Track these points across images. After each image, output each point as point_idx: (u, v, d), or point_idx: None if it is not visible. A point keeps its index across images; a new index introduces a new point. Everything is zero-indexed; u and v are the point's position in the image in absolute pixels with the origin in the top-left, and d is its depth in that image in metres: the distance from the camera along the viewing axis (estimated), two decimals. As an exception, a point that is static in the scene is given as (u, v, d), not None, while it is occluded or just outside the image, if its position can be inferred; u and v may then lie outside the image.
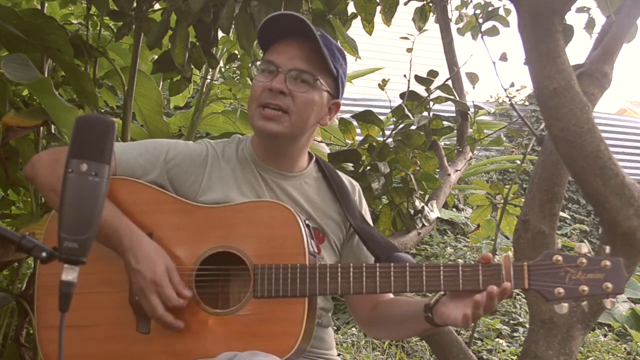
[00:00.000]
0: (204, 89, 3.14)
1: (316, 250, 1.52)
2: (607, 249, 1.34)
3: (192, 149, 1.62)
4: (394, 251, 1.60)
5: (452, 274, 1.37)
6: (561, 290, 1.32)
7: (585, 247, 1.33)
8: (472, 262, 1.42)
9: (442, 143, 3.31)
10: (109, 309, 1.48)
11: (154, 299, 1.41)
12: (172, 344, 1.44)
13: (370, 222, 1.73)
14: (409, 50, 3.02)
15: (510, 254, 1.38)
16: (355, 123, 2.89)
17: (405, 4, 3.09)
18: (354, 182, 1.78)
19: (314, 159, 1.73)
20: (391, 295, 1.66)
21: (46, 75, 2.61)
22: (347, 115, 3.29)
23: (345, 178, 1.75)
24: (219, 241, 1.47)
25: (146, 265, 1.42)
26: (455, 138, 3.50)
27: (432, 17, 3.32)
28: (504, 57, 2.75)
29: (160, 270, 1.42)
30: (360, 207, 1.72)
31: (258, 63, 1.58)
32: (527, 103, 9.44)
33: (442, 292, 1.44)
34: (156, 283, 1.41)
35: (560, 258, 1.33)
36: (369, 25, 2.50)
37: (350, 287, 1.41)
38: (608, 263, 1.31)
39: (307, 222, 1.52)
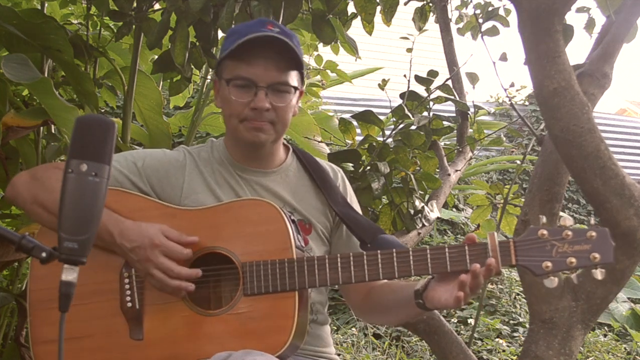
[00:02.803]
0: (204, 89, 3.14)
1: (303, 244, 1.53)
2: (592, 220, 1.33)
3: (170, 155, 1.64)
4: (380, 233, 1.61)
5: (439, 256, 1.37)
6: (549, 263, 1.31)
7: (570, 220, 1.33)
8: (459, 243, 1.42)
9: (442, 143, 3.31)
10: (100, 318, 1.48)
11: (163, 260, 1.42)
12: (167, 348, 1.45)
13: (357, 207, 1.73)
14: (409, 50, 3.02)
15: (495, 232, 1.37)
16: (355, 123, 2.89)
17: (405, 4, 3.09)
18: (336, 168, 1.78)
19: (291, 150, 1.74)
20: (384, 280, 1.67)
21: (46, 75, 2.61)
22: (347, 115, 3.29)
23: (326, 164, 1.76)
24: (206, 242, 1.48)
25: (139, 238, 1.43)
26: (455, 138, 3.50)
27: (432, 17, 3.32)
28: (504, 57, 2.75)
29: (154, 233, 1.44)
30: (345, 193, 1.72)
31: (228, 77, 1.56)
32: (527, 103, 9.43)
33: (430, 277, 1.44)
34: (156, 245, 1.42)
35: (545, 232, 1.32)
36: (369, 25, 2.50)
37: (339, 277, 1.42)
38: (594, 234, 1.30)
39: (292, 216, 1.53)
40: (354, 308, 1.75)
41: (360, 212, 1.72)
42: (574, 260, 1.30)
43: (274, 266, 1.43)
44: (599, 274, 1.30)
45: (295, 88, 1.58)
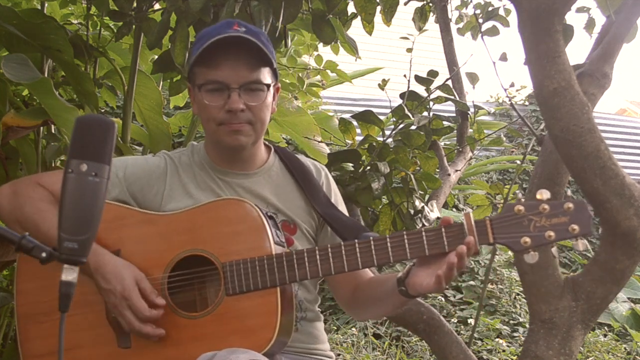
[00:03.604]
0: (204, 89, 3.14)
1: (283, 240, 1.52)
2: (569, 192, 1.33)
3: (151, 162, 1.64)
4: (363, 231, 1.60)
5: (417, 241, 1.36)
6: (527, 239, 1.30)
7: (546, 194, 1.31)
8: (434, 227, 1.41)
9: (442, 143, 3.31)
10: (88, 329, 1.49)
11: (127, 314, 1.43)
12: (155, 354, 1.45)
13: (342, 205, 1.73)
14: (409, 50, 3.02)
15: (471, 211, 1.37)
16: (355, 123, 2.89)
17: (405, 4, 3.09)
18: (320, 165, 1.77)
19: (273, 149, 1.74)
20: (370, 275, 1.66)
21: (46, 75, 2.61)
22: (347, 115, 3.29)
23: (309, 162, 1.76)
24: (185, 246, 1.48)
25: (114, 282, 1.43)
26: (455, 138, 3.50)
27: (432, 17, 3.32)
28: (504, 57, 2.75)
29: (128, 284, 1.43)
30: (328, 191, 1.72)
31: (200, 83, 1.56)
32: (527, 103, 9.42)
33: (411, 264, 1.44)
34: (126, 298, 1.42)
35: (521, 208, 1.31)
36: (369, 25, 2.50)
37: (318, 270, 1.41)
38: (571, 205, 1.29)
39: (270, 214, 1.53)
40: (344, 305, 1.74)
41: (344, 209, 1.72)
42: (552, 233, 1.29)
43: (253, 264, 1.43)
44: (580, 245, 1.29)
45: (268, 85, 1.57)
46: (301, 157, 1.76)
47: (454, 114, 3.28)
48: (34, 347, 1.50)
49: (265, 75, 1.57)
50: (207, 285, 1.51)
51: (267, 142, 1.74)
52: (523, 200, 1.33)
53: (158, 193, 1.59)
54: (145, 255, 1.50)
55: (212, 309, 1.44)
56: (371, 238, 1.40)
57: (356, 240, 1.41)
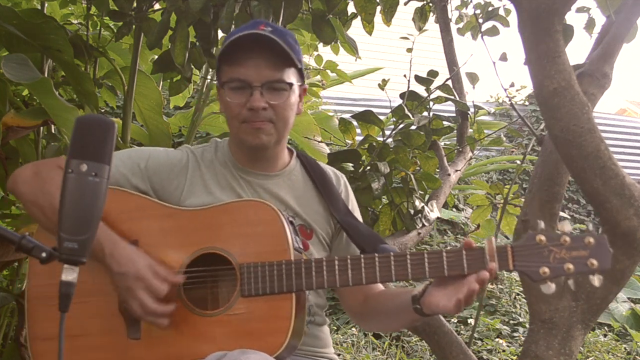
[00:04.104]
0: (204, 89, 3.14)
1: (301, 246, 1.52)
2: (590, 226, 1.33)
3: (172, 156, 1.63)
4: (380, 243, 1.60)
5: (436, 261, 1.36)
6: (546, 269, 1.31)
7: (568, 226, 1.32)
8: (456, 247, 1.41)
9: (442, 143, 3.31)
10: (99, 317, 1.48)
11: (141, 294, 1.41)
12: (164, 348, 1.45)
13: (358, 214, 1.73)
14: (409, 50, 3.02)
15: (493, 237, 1.37)
16: (355, 123, 2.89)
17: (405, 4, 3.09)
18: (339, 174, 1.78)
19: (295, 154, 1.74)
20: (381, 287, 1.66)
21: (46, 75, 2.61)
22: (347, 115, 3.29)
23: (329, 169, 1.75)
24: (204, 243, 1.48)
25: (128, 266, 1.42)
26: (455, 138, 3.50)
27: (432, 17, 3.32)
28: (504, 57, 2.75)
29: (142, 266, 1.42)
30: (346, 199, 1.72)
31: (223, 81, 1.56)
32: (527, 103, 9.43)
33: (427, 282, 1.44)
34: (141, 278, 1.41)
35: (543, 238, 1.32)
36: (369, 25, 2.50)
37: (336, 280, 1.41)
38: (592, 240, 1.30)
39: (291, 219, 1.53)
40: (352, 315, 1.74)
41: (360, 218, 1.72)
42: (571, 266, 1.31)
43: (271, 268, 1.42)
44: (596, 280, 1.31)
45: (291, 84, 1.57)
46: (321, 164, 1.76)
47: (454, 114, 3.28)
48: (42, 330, 1.49)
49: (289, 75, 1.56)
50: (219, 284, 1.51)
51: (289, 147, 1.73)
52: (545, 229, 1.34)
53: (178, 187, 1.59)
54: (164, 248, 1.49)
55: (225, 309, 1.44)
56: (391, 253, 1.40)
57: (376, 254, 1.41)
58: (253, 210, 1.49)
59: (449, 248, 1.46)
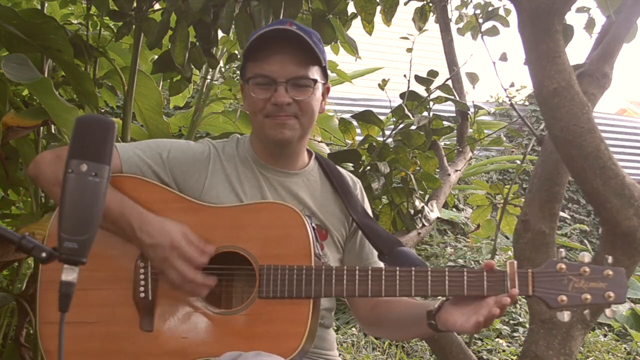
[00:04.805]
0: (204, 89, 3.14)
1: (321, 253, 1.52)
2: (610, 259, 1.35)
3: (194, 148, 1.63)
4: (398, 245, 1.61)
5: (457, 280, 1.37)
6: (564, 298, 1.33)
7: (587, 257, 1.35)
8: (475, 267, 1.41)
9: (442, 143, 3.31)
10: (112, 306, 1.48)
11: (179, 264, 1.41)
12: (175, 342, 1.44)
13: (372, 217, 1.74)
14: (409, 50, 3.02)
15: (515, 261, 1.38)
16: (355, 123, 2.89)
17: (405, 4, 3.09)
18: (355, 178, 1.79)
19: (314, 155, 1.74)
20: None
21: (46, 75, 2.61)
22: (347, 115, 3.29)
23: (346, 173, 1.76)
24: (225, 241, 1.47)
25: (161, 237, 1.43)
26: (455, 138, 3.50)
27: (432, 17, 3.32)
28: (504, 57, 2.75)
29: (176, 236, 1.43)
30: (362, 202, 1.73)
31: (248, 77, 1.56)
32: (527, 103, 9.43)
33: (444, 299, 1.44)
34: (176, 247, 1.42)
35: (564, 266, 1.35)
36: (369, 25, 2.50)
37: (355, 290, 1.42)
38: (610, 272, 1.33)
39: (311, 222, 1.52)
40: (360, 320, 1.74)
41: (375, 219, 1.73)
42: (589, 296, 1.33)
43: (291, 272, 1.42)
44: (609, 312, 1.34)
45: (315, 81, 1.57)
46: (339, 168, 1.77)
47: (454, 114, 3.28)
48: (51, 314, 1.46)
49: (314, 72, 1.57)
50: (234, 282, 1.51)
51: (308, 149, 1.74)
52: (566, 258, 1.36)
53: (199, 180, 1.58)
54: None
55: (242, 309, 1.43)
56: (413, 269, 1.40)
57: (397, 268, 1.41)
58: (277, 213, 1.49)
59: (470, 267, 1.46)
